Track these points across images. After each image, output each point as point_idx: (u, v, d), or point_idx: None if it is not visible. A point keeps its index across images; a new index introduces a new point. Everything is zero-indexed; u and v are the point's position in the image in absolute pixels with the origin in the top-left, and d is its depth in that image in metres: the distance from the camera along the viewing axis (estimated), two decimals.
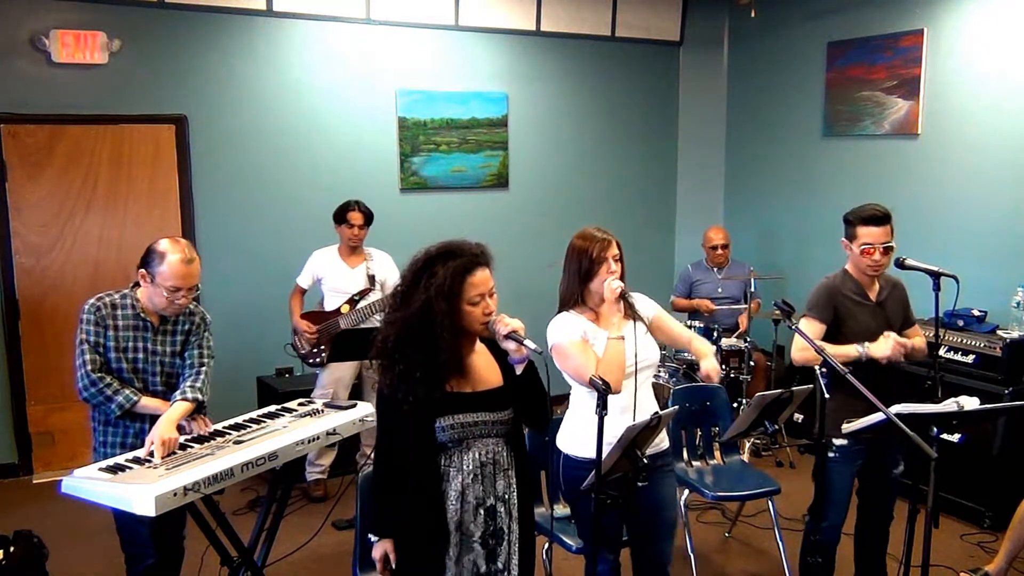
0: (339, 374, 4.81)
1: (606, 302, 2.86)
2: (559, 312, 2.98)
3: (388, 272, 4.90)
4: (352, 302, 4.80)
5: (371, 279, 4.84)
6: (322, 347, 4.78)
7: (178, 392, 3.05)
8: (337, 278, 4.85)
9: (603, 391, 2.46)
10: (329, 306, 4.88)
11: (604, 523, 2.81)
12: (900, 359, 3.27)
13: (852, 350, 3.24)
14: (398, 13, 5.91)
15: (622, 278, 2.90)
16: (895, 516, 3.55)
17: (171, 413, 2.96)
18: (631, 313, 2.94)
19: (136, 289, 3.09)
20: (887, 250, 3.29)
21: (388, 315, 2.45)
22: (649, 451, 2.84)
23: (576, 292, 2.94)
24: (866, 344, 3.25)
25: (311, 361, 4.85)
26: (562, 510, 3.61)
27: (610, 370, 2.74)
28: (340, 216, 4.83)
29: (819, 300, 3.35)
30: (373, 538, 2.46)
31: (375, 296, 4.82)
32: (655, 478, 2.95)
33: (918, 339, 3.44)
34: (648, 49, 6.86)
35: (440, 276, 2.31)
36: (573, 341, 2.86)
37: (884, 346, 3.23)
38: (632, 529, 3.04)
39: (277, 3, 5.53)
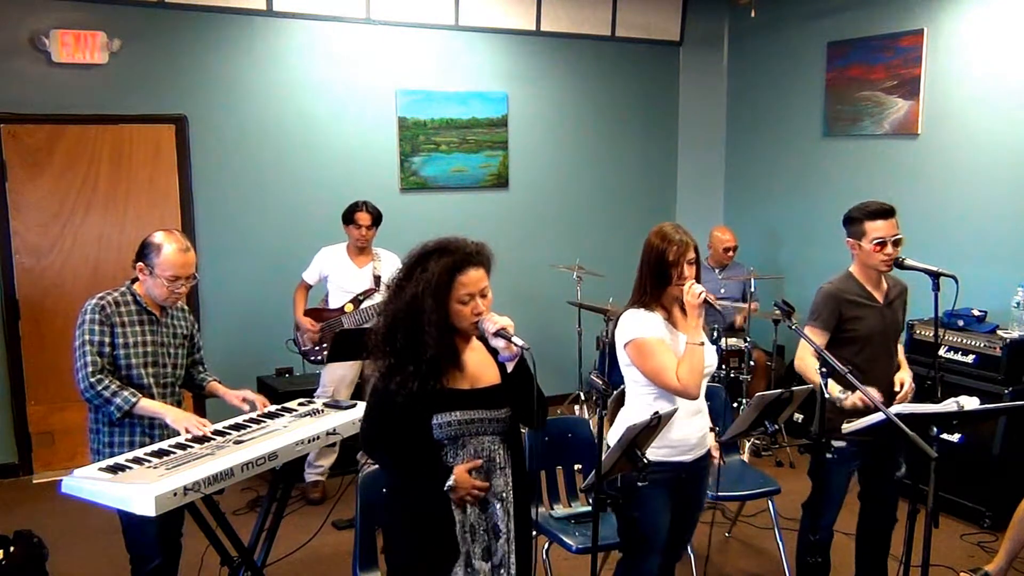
0: (340, 373, 4.79)
1: (688, 306, 2.80)
2: (630, 306, 2.91)
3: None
4: (356, 302, 4.80)
5: (376, 280, 4.83)
6: (324, 344, 4.77)
7: (208, 376, 3.44)
8: (343, 277, 4.85)
9: (603, 392, 2.49)
10: (334, 303, 4.88)
11: (660, 526, 2.89)
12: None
13: (833, 389, 3.07)
14: (398, 13, 5.91)
15: (697, 279, 2.86)
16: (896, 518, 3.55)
17: (223, 391, 3.39)
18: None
19: (134, 284, 3.11)
20: (897, 243, 3.26)
21: (383, 306, 2.44)
22: (693, 456, 2.92)
23: (651, 292, 2.87)
24: (845, 393, 3.08)
25: (312, 358, 4.85)
26: (563, 510, 3.61)
27: (692, 375, 2.77)
28: (348, 216, 4.83)
29: (822, 309, 3.30)
30: (450, 482, 2.34)
31: (379, 297, 4.81)
32: (702, 479, 3.03)
33: (904, 371, 3.38)
34: (648, 49, 6.85)
35: (430, 272, 2.30)
36: (656, 340, 2.81)
37: (853, 400, 3.08)
38: (677, 526, 3.05)
39: (277, 3, 5.53)
